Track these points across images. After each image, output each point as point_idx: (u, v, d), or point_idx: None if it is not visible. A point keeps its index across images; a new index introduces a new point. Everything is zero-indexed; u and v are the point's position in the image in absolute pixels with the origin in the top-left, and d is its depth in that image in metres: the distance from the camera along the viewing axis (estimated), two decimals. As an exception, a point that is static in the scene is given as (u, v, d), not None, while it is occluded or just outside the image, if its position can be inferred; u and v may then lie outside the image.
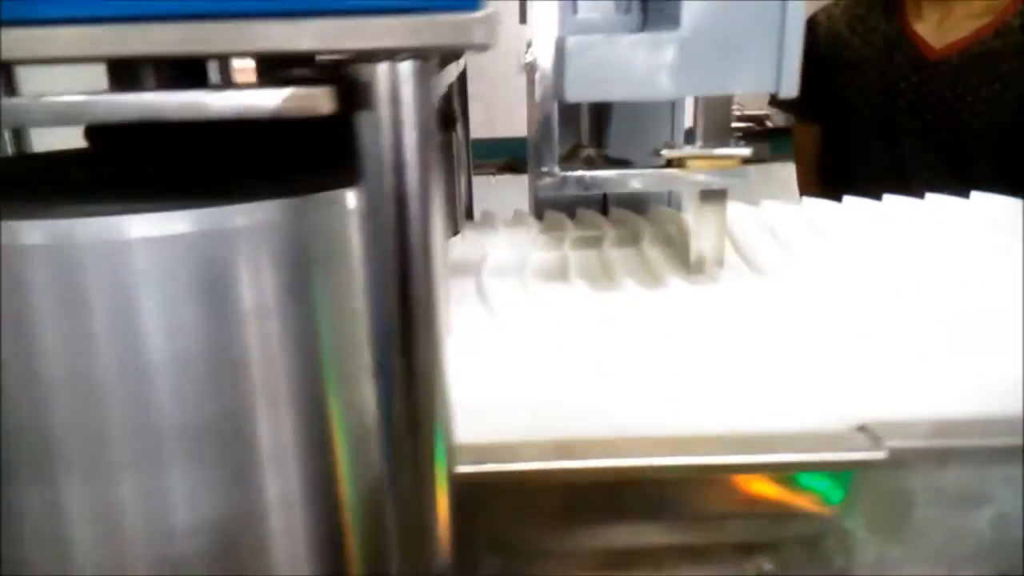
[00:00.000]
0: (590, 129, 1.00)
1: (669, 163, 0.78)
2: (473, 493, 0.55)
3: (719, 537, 0.60)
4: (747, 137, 2.81)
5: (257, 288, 0.43)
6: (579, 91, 0.73)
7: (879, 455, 0.53)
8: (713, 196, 0.82)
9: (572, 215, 1.09)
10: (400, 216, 0.41)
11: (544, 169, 0.77)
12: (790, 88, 0.71)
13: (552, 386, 0.60)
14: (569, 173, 0.77)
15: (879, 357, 0.61)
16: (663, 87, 0.71)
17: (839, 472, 0.56)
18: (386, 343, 0.43)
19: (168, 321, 0.41)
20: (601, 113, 1.05)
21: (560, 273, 0.82)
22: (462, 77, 1.09)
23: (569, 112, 1.03)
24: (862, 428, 0.55)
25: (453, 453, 0.49)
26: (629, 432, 0.58)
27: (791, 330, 0.67)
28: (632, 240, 0.95)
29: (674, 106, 1.11)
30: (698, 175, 0.77)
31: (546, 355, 0.63)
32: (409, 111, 0.40)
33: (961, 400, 0.58)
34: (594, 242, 0.95)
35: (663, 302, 0.75)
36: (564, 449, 0.55)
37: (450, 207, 1.03)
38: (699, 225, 0.83)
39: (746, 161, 0.78)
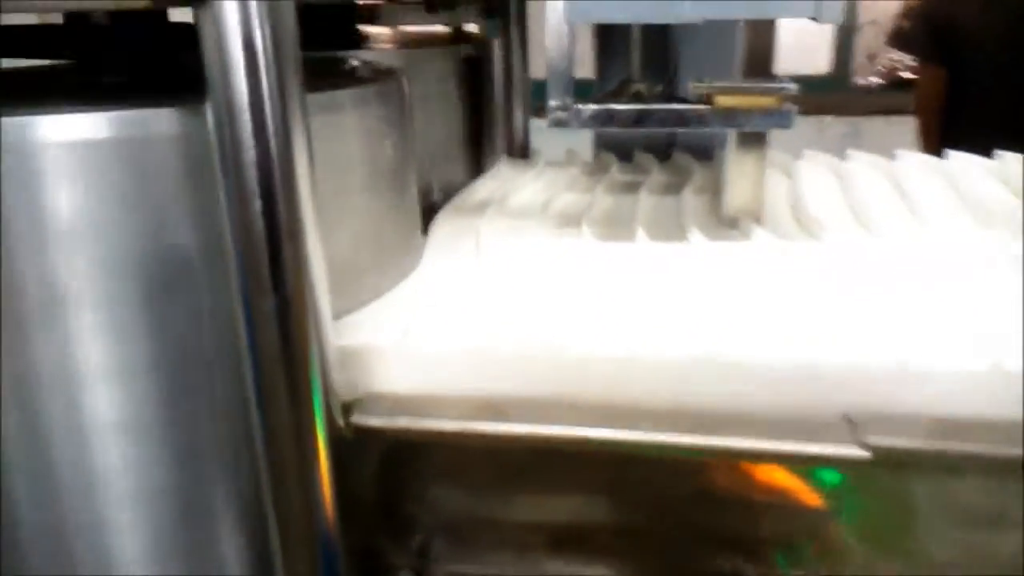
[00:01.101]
0: (643, 62, 0.90)
1: (701, 100, 0.68)
2: (398, 450, 0.51)
3: (681, 526, 0.52)
4: (893, 87, 2.55)
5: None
6: (581, 11, 0.65)
7: (858, 453, 0.44)
8: (750, 141, 0.71)
9: (629, 156, 1.01)
10: (257, 130, 0.36)
11: (554, 103, 0.69)
12: (833, 15, 0.60)
13: (526, 337, 0.53)
14: (583, 107, 0.69)
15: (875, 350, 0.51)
16: (680, 9, 0.61)
17: (816, 467, 0.47)
18: (245, 270, 0.38)
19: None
20: (657, 44, 0.95)
21: (575, 219, 0.75)
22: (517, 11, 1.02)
23: (618, 44, 0.93)
24: (847, 418, 0.46)
25: (335, 399, 0.44)
26: (601, 394, 0.51)
27: (798, 304, 0.57)
28: (676, 188, 0.86)
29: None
30: (726, 115, 0.67)
31: (528, 303, 0.57)
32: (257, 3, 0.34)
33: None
34: (631, 188, 0.86)
35: (672, 256, 0.67)
36: (496, 409, 0.49)
37: (479, 141, 0.96)
38: (734, 174, 0.73)
39: (793, 100, 0.67)
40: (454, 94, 0.91)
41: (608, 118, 0.70)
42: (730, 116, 0.67)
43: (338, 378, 0.50)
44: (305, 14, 0.38)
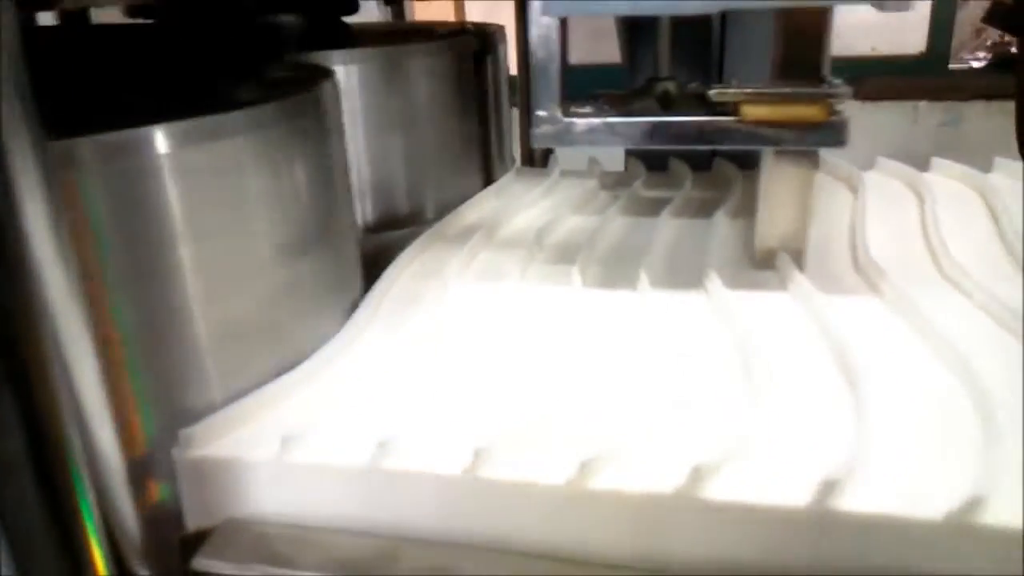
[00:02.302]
0: (675, 56, 0.75)
1: (720, 108, 0.53)
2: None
3: None
4: (1001, 67, 2.25)
5: None
6: (558, 4, 0.51)
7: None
8: (792, 159, 0.56)
9: (663, 165, 0.85)
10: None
11: (541, 113, 0.55)
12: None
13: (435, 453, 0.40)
14: (574, 119, 0.55)
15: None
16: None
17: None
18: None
19: None
20: (694, 34, 0.78)
21: (572, 254, 0.61)
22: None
23: (645, 37, 0.78)
24: None
25: (131, 547, 0.31)
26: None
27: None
28: (709, 209, 0.70)
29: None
30: (756, 129, 0.52)
31: (466, 398, 0.44)
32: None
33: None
34: (654, 208, 0.71)
35: (675, 317, 0.52)
36: (388, 556, 0.36)
37: (486, 147, 0.82)
38: (771, 199, 0.57)
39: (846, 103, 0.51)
40: (453, 96, 0.77)
41: (607, 133, 0.55)
42: (762, 131, 0.52)
43: (191, 499, 0.38)
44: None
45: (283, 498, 0.38)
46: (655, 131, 0.54)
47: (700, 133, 0.53)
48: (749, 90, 0.52)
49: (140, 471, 0.38)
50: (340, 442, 0.38)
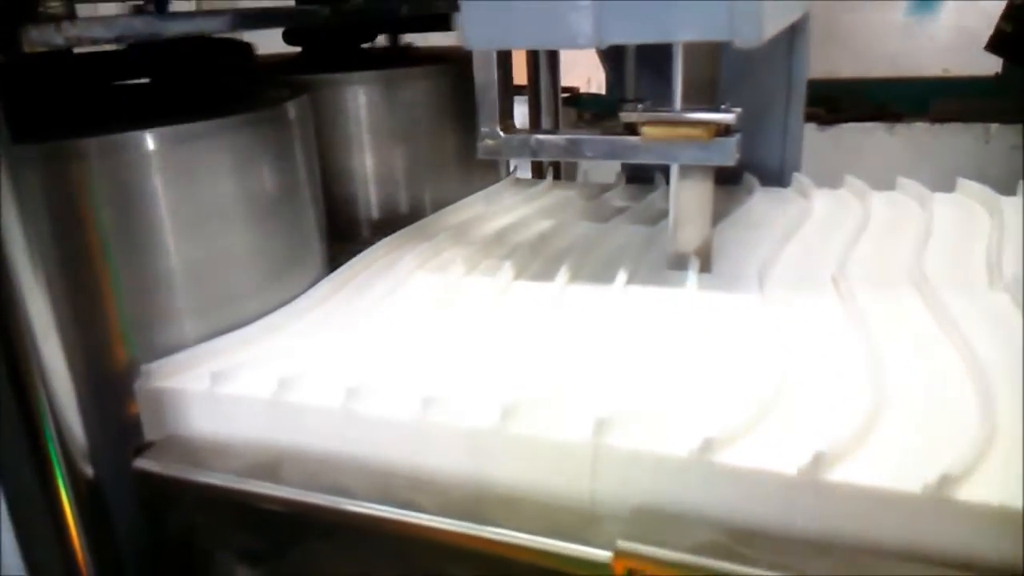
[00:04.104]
0: (639, 81, 0.83)
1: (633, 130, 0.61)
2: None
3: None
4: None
5: None
6: (482, 37, 0.61)
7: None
8: (693, 173, 0.63)
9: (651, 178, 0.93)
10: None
11: (484, 129, 0.65)
12: (751, 31, 0.51)
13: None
14: (511, 135, 0.64)
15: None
16: (580, 32, 0.55)
17: None
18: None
19: None
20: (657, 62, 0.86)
21: (525, 252, 0.70)
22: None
23: (615, 60, 0.87)
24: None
25: (77, 449, 0.43)
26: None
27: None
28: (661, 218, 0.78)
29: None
30: (656, 146, 0.60)
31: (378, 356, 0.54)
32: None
33: None
34: (615, 214, 0.80)
35: (584, 307, 0.61)
36: (271, 468, 0.47)
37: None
38: (678, 208, 0.65)
39: (726, 131, 0.59)
40: (452, 112, 0.88)
41: (537, 147, 0.64)
42: (661, 148, 0.60)
43: (148, 418, 0.51)
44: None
45: (213, 421, 0.49)
46: (571, 146, 0.63)
47: (611, 148, 0.62)
48: (649, 114, 0.60)
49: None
50: (254, 381, 0.49)
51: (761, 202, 0.81)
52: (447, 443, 0.45)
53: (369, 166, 0.84)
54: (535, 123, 1.00)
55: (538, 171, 1.05)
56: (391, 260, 0.70)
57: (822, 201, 0.81)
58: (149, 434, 0.51)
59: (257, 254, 0.59)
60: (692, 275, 0.62)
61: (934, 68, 2.22)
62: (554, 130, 0.79)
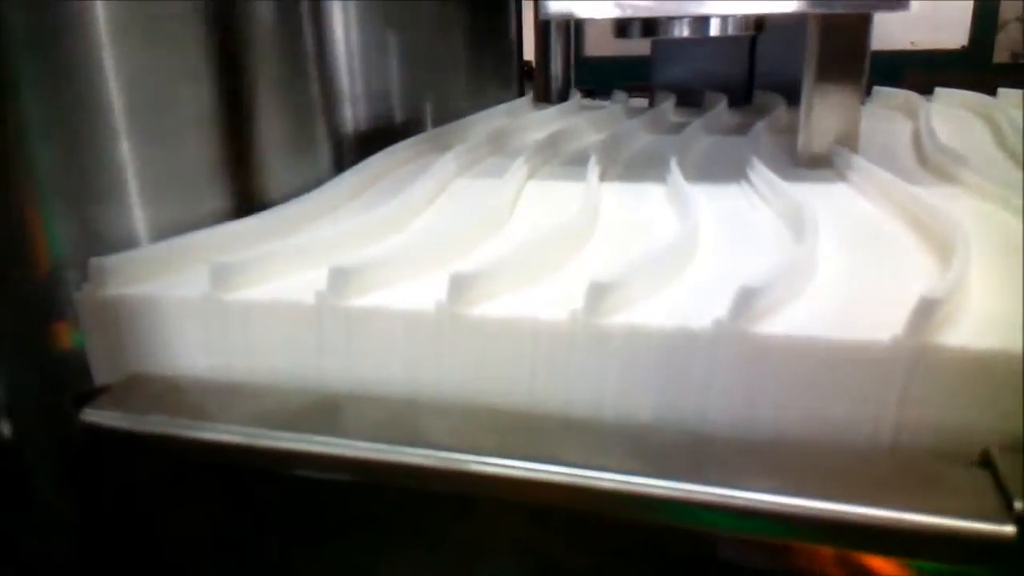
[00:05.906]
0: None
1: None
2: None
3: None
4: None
5: None
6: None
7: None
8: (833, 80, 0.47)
9: (698, 102, 0.77)
10: None
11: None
12: None
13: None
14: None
15: None
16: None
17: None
18: None
19: None
20: None
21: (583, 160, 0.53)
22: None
23: None
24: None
25: None
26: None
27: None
28: (745, 129, 0.62)
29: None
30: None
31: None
32: None
33: None
34: (684, 127, 0.63)
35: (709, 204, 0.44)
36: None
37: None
38: (815, 109, 0.49)
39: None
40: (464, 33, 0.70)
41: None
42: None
43: (96, 349, 0.31)
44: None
45: (213, 349, 0.30)
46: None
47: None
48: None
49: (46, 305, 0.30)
50: (285, 284, 0.30)
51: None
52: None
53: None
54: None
55: (545, 95, 0.88)
56: (423, 164, 0.52)
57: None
58: (99, 373, 0.31)
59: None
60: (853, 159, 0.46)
61: (902, 41, 2.17)
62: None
